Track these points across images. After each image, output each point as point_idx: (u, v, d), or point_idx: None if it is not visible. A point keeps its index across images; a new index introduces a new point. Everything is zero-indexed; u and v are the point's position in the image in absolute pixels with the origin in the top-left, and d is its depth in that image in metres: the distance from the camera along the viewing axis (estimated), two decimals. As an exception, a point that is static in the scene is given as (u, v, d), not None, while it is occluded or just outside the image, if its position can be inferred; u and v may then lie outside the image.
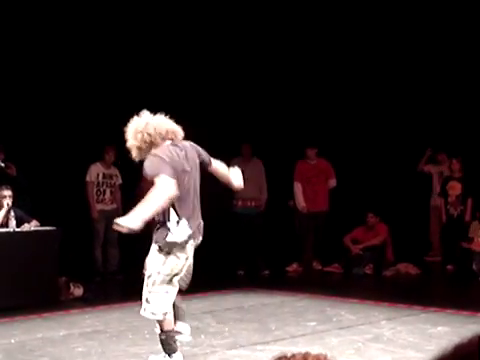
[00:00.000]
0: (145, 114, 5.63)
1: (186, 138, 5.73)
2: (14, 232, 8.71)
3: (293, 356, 1.85)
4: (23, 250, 8.58)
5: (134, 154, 5.54)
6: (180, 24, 12.13)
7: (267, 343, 6.63)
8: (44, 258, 8.72)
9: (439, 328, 7.01)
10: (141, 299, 5.64)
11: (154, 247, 5.54)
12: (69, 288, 9.23)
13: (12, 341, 6.82)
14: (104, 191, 10.20)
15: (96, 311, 8.28)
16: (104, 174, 10.25)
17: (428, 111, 11.82)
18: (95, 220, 10.23)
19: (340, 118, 12.20)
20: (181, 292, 5.86)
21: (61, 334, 7.13)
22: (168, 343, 5.60)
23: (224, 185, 6.04)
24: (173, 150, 5.47)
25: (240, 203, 11.26)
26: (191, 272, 5.91)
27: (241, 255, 11.35)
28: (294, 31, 12.45)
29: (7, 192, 8.88)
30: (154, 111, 5.71)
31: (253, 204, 11.28)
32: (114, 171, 10.46)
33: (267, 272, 11.25)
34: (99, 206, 10.23)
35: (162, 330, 5.59)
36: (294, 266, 11.58)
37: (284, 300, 8.91)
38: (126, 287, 10.24)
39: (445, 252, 11.49)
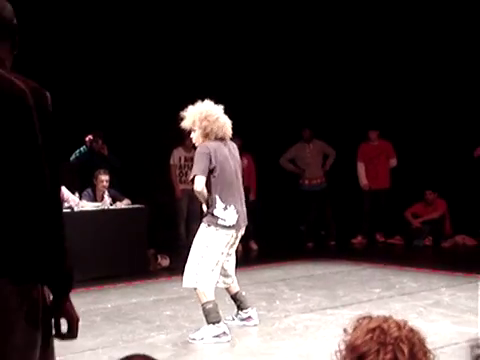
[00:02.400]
0: (212, 105, 5.77)
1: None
2: (109, 209, 8.89)
3: (376, 317, 1.83)
4: (117, 225, 8.76)
5: (193, 135, 5.85)
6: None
7: (336, 308, 6.63)
8: (135, 232, 8.88)
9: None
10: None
11: (203, 225, 5.64)
12: (157, 259, 9.40)
13: (109, 306, 6.99)
14: (186, 173, 10.27)
15: (181, 280, 8.36)
16: (185, 157, 10.33)
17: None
18: (178, 199, 10.35)
19: (400, 100, 11.92)
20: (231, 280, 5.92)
21: (151, 299, 7.27)
22: (210, 313, 5.56)
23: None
24: (219, 144, 5.74)
25: (307, 182, 11.43)
26: (234, 257, 5.94)
27: (309, 229, 11.44)
28: (345, 13, 12.07)
29: (105, 176, 9.11)
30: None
31: (318, 181, 11.39)
32: (194, 154, 10.51)
33: (333, 243, 11.31)
34: (182, 186, 10.31)
35: (202, 302, 5.59)
36: (359, 238, 11.51)
37: (350, 269, 8.87)
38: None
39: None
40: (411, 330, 1.80)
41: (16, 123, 2.30)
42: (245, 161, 10.95)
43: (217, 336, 5.54)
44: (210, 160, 5.63)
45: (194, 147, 10.68)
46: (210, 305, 5.54)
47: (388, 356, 1.73)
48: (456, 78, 11.28)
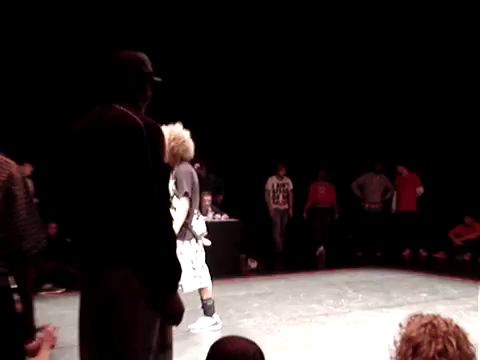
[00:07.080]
0: (180, 128, 5.11)
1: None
2: (210, 222, 8.93)
3: (427, 315, 1.81)
4: (216, 235, 8.77)
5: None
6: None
7: (390, 307, 6.47)
8: (230, 241, 8.85)
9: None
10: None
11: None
12: (247, 262, 9.44)
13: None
14: (278, 196, 10.81)
15: (266, 279, 8.39)
16: (277, 184, 10.86)
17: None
18: (271, 216, 10.79)
19: (431, 127, 11.00)
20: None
21: (242, 293, 7.28)
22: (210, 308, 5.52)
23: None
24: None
25: (367, 205, 11.28)
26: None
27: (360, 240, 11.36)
28: (326, 34, 10.72)
29: (208, 197, 9.15)
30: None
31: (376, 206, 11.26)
32: (286, 180, 10.86)
33: (380, 254, 11.06)
34: (275, 206, 10.83)
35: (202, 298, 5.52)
36: (407, 251, 11.18)
37: (402, 276, 8.64)
38: (289, 262, 10.31)
39: None
40: (457, 327, 1.77)
41: (134, 150, 2.39)
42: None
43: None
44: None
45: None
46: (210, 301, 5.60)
47: (439, 347, 1.71)
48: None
